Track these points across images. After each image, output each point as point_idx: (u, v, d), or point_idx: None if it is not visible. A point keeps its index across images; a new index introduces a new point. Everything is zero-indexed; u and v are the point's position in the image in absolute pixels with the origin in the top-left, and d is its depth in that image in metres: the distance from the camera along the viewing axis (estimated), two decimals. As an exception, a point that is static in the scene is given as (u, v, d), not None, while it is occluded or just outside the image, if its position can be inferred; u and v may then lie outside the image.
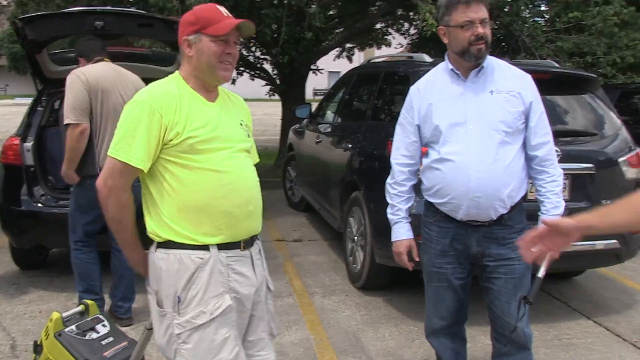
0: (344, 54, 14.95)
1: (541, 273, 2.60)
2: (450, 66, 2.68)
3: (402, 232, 2.82)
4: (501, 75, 2.66)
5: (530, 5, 11.08)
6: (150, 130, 2.05)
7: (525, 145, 2.67)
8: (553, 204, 2.66)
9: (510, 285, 2.65)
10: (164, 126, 2.06)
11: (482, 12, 2.56)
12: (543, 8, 11.85)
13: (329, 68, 17.75)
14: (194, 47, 2.14)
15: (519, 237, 2.63)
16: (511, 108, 2.60)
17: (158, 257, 2.13)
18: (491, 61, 2.68)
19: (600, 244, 4.32)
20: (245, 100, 2.47)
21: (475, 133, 2.58)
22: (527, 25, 10.15)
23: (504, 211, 2.62)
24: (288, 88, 11.55)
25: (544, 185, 2.68)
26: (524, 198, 2.70)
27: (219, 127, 2.17)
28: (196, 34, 2.13)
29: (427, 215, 2.81)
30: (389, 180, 2.88)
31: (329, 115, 7.13)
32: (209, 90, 2.21)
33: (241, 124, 2.29)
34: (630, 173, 4.51)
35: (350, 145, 5.42)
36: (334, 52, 13.97)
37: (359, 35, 13.13)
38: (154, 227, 2.13)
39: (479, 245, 2.66)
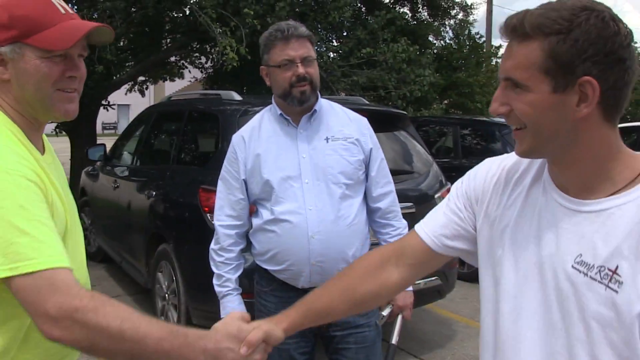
0: (136, 87, 14.16)
1: (395, 339, 2.37)
2: (279, 111, 2.34)
3: (232, 307, 2.39)
4: (336, 120, 2.38)
5: (325, 41, 11.40)
6: (47, 210, 1.30)
7: (366, 197, 2.41)
8: (399, 259, 2.43)
9: (362, 356, 2.36)
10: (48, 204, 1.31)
11: (303, 50, 2.25)
12: (335, 43, 12.26)
13: (118, 101, 16.73)
14: (12, 67, 1.34)
15: (365, 300, 2.41)
16: (350, 157, 2.32)
17: None
18: (324, 104, 2.40)
19: (421, 283, 4.26)
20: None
21: (312, 188, 2.27)
22: (323, 60, 10.36)
23: None
24: (77, 125, 10.52)
25: (389, 240, 2.43)
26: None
27: (67, 201, 1.44)
28: (13, 44, 1.33)
29: (260, 284, 2.43)
30: (212, 245, 2.44)
31: (127, 157, 6.45)
32: (37, 133, 1.45)
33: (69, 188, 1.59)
34: (445, 209, 4.55)
35: (154, 193, 4.86)
36: (126, 86, 13.16)
37: (153, 69, 12.50)
38: None
39: (324, 314, 2.33)
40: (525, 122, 1.13)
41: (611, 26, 1.06)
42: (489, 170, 1.36)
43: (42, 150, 1.46)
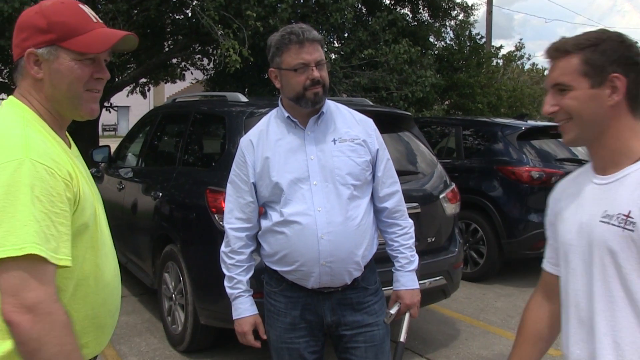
0: (138, 89, 14.20)
1: (403, 337, 2.39)
2: (286, 113, 2.36)
3: (244, 309, 2.42)
4: (343, 122, 2.40)
5: (327, 42, 11.43)
6: (68, 209, 1.39)
7: (372, 197, 2.44)
8: (407, 258, 2.47)
9: (371, 354, 2.39)
10: (72, 200, 1.42)
11: (317, 53, 2.27)
12: (336, 45, 12.29)
13: (118, 103, 16.77)
14: (46, 67, 1.49)
15: (374, 299, 2.44)
16: (357, 158, 2.35)
17: None
18: (331, 106, 2.42)
19: (427, 282, 4.29)
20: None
21: (321, 189, 2.29)
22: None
23: (358, 274, 2.36)
24: (79, 127, 10.56)
25: (395, 240, 2.47)
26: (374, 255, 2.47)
27: (93, 193, 1.58)
28: (50, 46, 1.48)
29: (270, 285, 2.45)
30: (223, 248, 2.46)
31: (132, 159, 6.49)
32: (61, 130, 1.60)
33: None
34: (449, 209, 4.59)
35: (160, 194, 4.89)
36: (127, 88, 13.20)
37: (154, 70, 12.54)
38: None
39: (333, 314, 2.37)
40: (571, 114, 1.52)
41: (626, 40, 1.50)
42: (554, 193, 1.78)
43: (68, 144, 1.60)
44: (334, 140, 2.35)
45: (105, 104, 11.39)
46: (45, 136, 1.46)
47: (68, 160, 1.47)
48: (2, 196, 1.29)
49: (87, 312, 1.49)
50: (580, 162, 6.98)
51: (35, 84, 1.51)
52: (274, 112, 2.44)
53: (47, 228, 1.32)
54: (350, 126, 2.40)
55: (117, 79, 10.66)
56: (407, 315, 2.45)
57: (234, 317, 2.43)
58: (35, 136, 1.43)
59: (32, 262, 1.29)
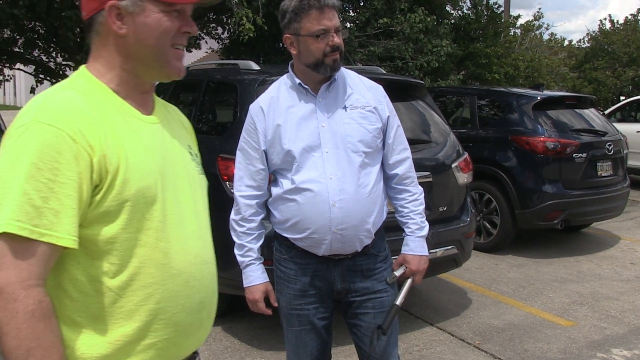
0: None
1: (399, 301, 2.39)
2: (297, 80, 2.34)
3: (255, 276, 2.43)
4: (354, 88, 2.38)
5: (342, 11, 11.31)
6: (78, 179, 1.20)
7: (382, 164, 2.43)
8: (417, 224, 2.46)
9: (380, 320, 2.40)
10: (94, 170, 1.23)
11: (336, 19, 2.25)
12: (352, 13, 12.16)
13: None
14: (130, 21, 1.33)
15: (383, 266, 2.45)
16: (369, 125, 2.33)
17: None
18: (342, 72, 2.40)
19: (439, 251, 4.30)
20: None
21: (332, 156, 2.28)
22: (340, 30, 10.31)
23: (369, 241, 2.36)
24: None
25: (406, 205, 2.46)
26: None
27: (166, 163, 1.38)
28: None
29: (280, 251, 2.46)
30: (233, 216, 2.46)
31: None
32: (142, 94, 1.42)
33: (190, 154, 1.53)
34: (461, 178, 4.57)
35: (174, 162, 4.91)
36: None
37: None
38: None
39: (343, 280, 2.38)
40: None
41: None
42: None
43: (148, 110, 1.43)
44: (345, 108, 2.33)
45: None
46: (92, 99, 1.31)
47: (108, 129, 1.28)
48: (18, 165, 1.17)
49: (149, 306, 1.30)
50: (596, 133, 6.90)
51: (117, 42, 1.34)
52: (283, 78, 2.43)
53: (44, 200, 1.17)
54: (361, 93, 2.39)
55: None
56: (408, 281, 2.44)
57: (244, 285, 2.44)
58: (65, 96, 1.28)
59: (8, 239, 1.15)
